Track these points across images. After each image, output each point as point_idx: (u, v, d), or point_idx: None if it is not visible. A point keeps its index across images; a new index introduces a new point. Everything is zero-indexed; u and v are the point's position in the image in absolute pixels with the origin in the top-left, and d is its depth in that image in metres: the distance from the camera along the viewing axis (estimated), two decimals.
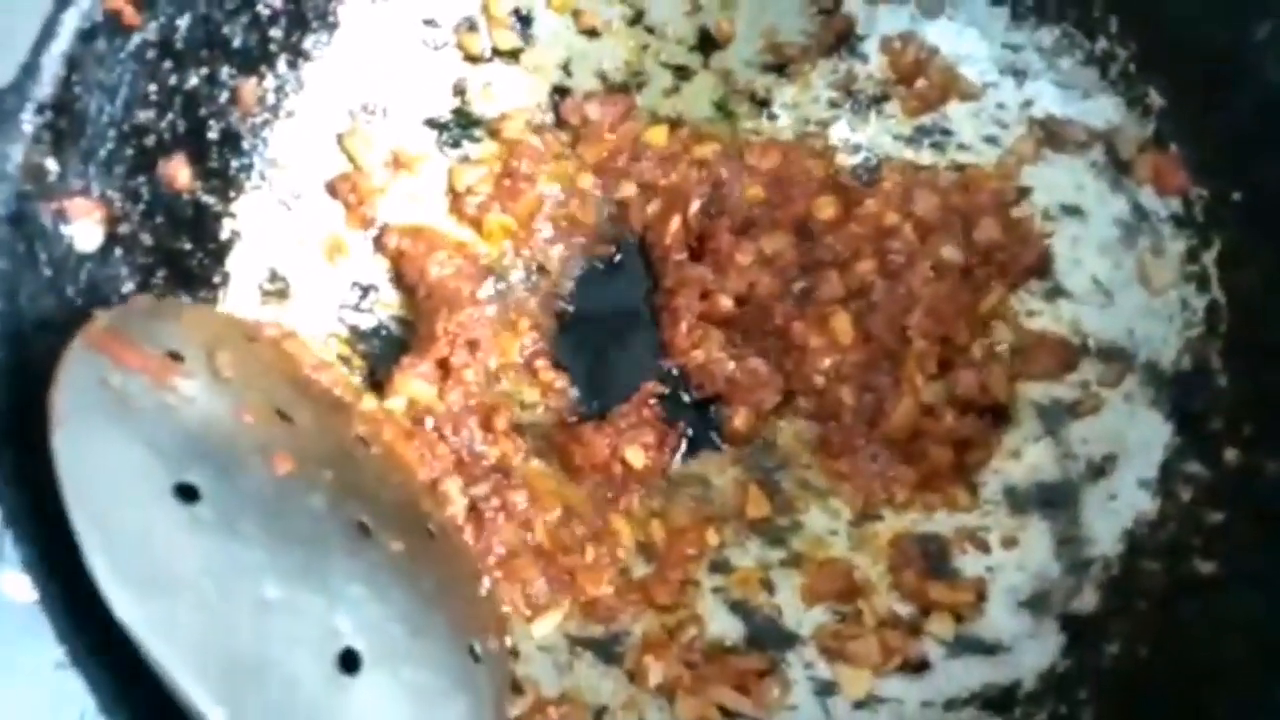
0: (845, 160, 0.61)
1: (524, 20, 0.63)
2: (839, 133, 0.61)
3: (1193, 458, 0.52)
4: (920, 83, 0.60)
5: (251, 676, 0.39)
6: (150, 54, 0.50)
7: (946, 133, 0.60)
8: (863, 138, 0.61)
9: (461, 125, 0.62)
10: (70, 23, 0.46)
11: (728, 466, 0.57)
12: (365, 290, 0.59)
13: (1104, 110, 0.57)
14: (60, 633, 0.40)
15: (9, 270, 0.45)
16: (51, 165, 0.46)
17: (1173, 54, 0.54)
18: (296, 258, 0.57)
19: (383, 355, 0.58)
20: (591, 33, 0.63)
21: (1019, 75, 0.59)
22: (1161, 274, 0.55)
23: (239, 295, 0.56)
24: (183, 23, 0.51)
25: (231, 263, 0.55)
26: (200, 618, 0.39)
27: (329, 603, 0.42)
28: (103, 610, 0.38)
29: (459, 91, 0.62)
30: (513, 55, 0.63)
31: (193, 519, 0.40)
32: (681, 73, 0.63)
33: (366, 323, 0.59)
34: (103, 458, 0.40)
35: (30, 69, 0.46)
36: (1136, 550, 0.52)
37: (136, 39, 0.49)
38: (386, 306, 0.60)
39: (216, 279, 0.55)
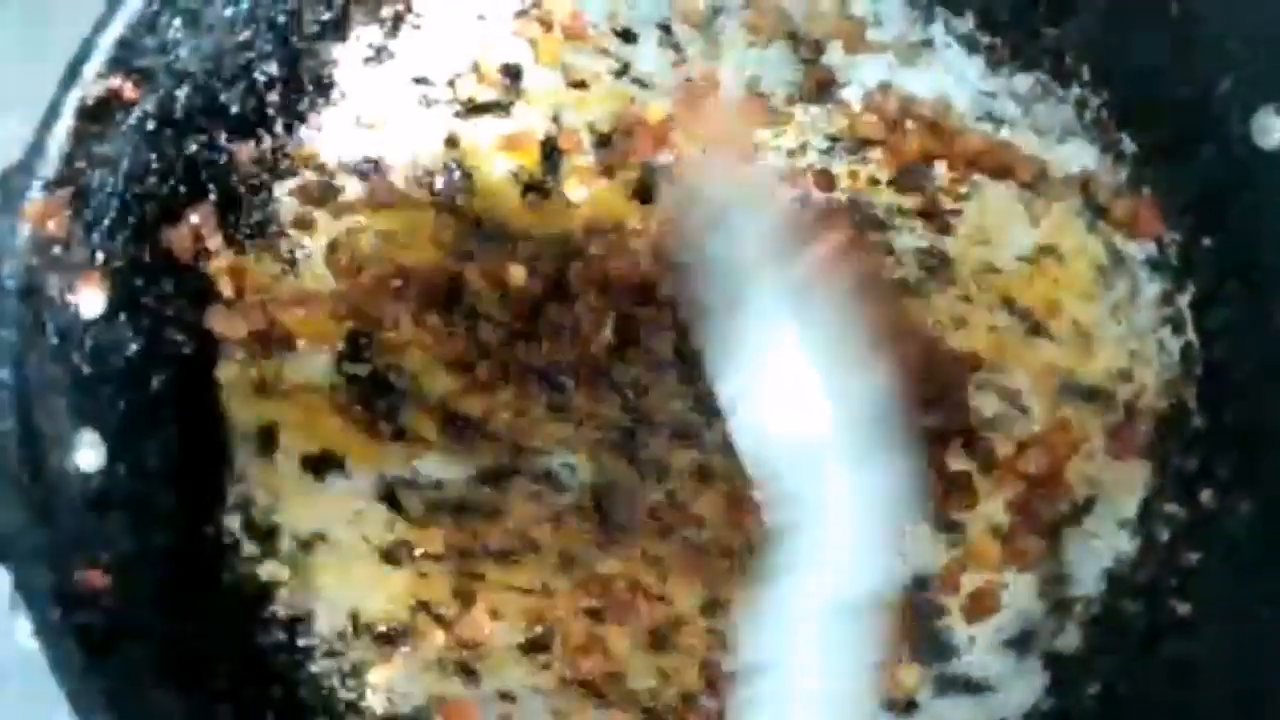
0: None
1: (513, 75, 0.64)
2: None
3: (1170, 499, 0.53)
4: (904, 131, 0.62)
5: None
6: (150, 125, 0.52)
7: (927, 178, 0.62)
8: (846, 184, 0.62)
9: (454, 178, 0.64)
10: (73, 102, 0.48)
11: None
12: (365, 342, 0.61)
13: (1080, 155, 0.59)
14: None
15: (17, 341, 0.47)
16: (58, 238, 0.49)
17: (1142, 103, 0.55)
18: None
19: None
20: (580, 85, 0.65)
21: (996, 122, 0.60)
22: (1139, 317, 0.56)
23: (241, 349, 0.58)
24: (181, 93, 0.53)
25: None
26: None
27: None
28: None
29: (451, 143, 0.64)
30: (503, 108, 0.65)
31: None
32: (669, 121, 0.65)
33: (364, 371, 0.61)
34: None
35: (36, 148, 0.48)
36: (1117, 590, 0.53)
37: (137, 112, 0.51)
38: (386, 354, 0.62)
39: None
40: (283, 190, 0.59)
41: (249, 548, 0.55)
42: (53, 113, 0.48)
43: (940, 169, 0.61)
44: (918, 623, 0.55)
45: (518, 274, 0.59)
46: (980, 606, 0.55)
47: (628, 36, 0.63)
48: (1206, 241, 0.53)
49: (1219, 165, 0.52)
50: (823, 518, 0.44)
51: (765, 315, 0.46)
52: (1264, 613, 0.47)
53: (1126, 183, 0.57)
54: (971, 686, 0.54)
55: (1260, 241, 0.50)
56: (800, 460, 0.45)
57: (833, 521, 0.44)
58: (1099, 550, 0.54)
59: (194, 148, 0.55)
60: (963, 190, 0.61)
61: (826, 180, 0.62)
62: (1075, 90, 0.58)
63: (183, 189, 0.55)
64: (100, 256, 0.51)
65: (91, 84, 0.49)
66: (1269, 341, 0.50)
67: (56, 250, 0.49)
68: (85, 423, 0.49)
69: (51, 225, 0.48)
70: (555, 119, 0.64)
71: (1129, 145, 0.57)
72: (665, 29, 0.63)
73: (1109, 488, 0.55)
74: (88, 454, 0.49)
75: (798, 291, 0.47)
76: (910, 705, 0.53)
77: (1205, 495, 0.52)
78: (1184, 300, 0.55)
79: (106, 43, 0.49)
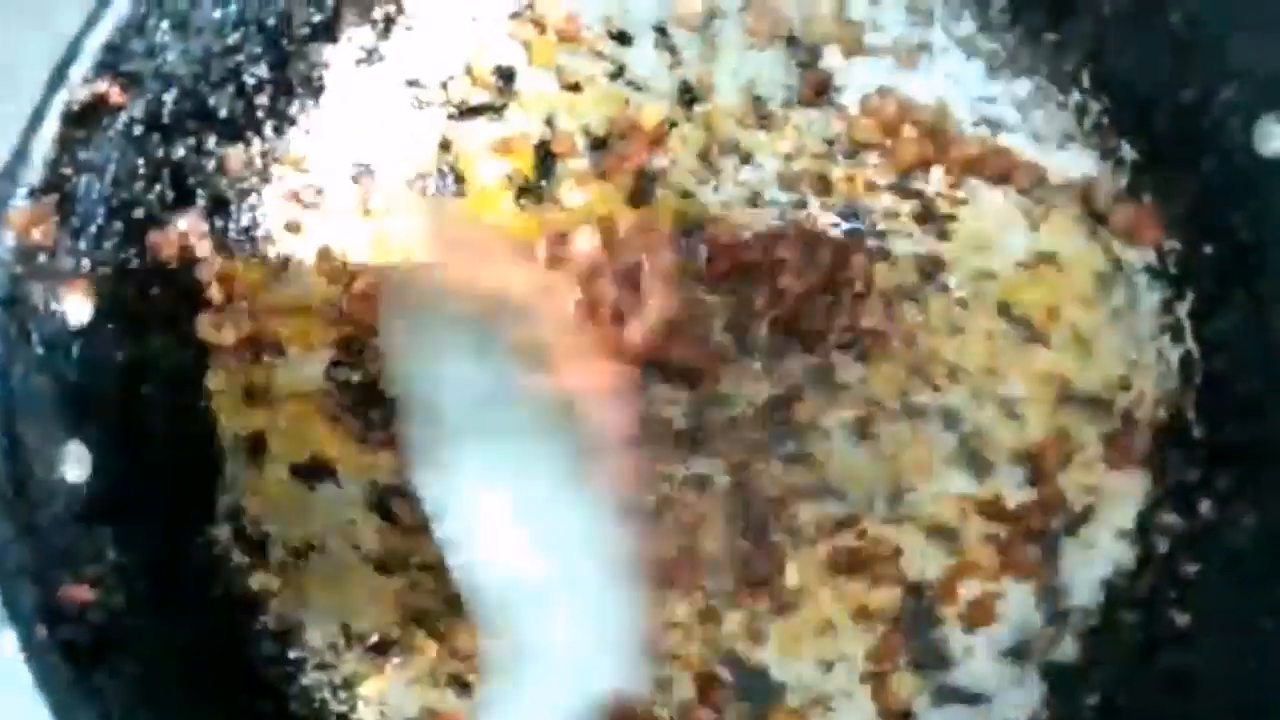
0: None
1: (506, 77, 0.64)
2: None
3: (1169, 509, 0.53)
4: (901, 135, 0.61)
5: None
6: (137, 130, 0.51)
7: (923, 183, 0.61)
8: (843, 188, 0.62)
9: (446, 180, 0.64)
10: (59, 107, 0.47)
11: None
12: (357, 349, 0.61)
13: (1079, 162, 0.58)
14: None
15: (2, 352, 0.46)
16: (44, 246, 0.48)
17: (1142, 110, 0.55)
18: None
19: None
20: (574, 88, 0.64)
21: (994, 127, 0.60)
22: (1138, 325, 0.56)
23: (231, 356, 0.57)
24: (169, 97, 0.53)
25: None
26: None
27: None
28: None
29: (444, 146, 0.64)
30: (496, 111, 0.64)
31: None
32: (664, 125, 0.64)
33: (356, 377, 0.60)
34: None
35: (20, 154, 0.47)
36: (1115, 601, 0.53)
37: (124, 117, 0.51)
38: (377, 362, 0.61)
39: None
40: (272, 195, 0.59)
41: (239, 558, 0.55)
42: (37, 118, 0.47)
43: (938, 174, 0.61)
44: (914, 632, 0.55)
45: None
46: (977, 616, 0.54)
47: (623, 39, 0.63)
48: (1207, 249, 0.53)
49: (1219, 173, 0.51)
50: (545, 653, 0.44)
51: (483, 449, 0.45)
52: (1264, 624, 0.47)
53: (1126, 190, 0.56)
54: (968, 697, 0.53)
55: (1261, 250, 0.50)
56: (522, 599, 0.44)
57: (555, 657, 0.44)
58: (1097, 560, 0.54)
59: (182, 152, 0.54)
60: (960, 196, 0.60)
61: (824, 185, 0.62)
62: (1075, 96, 0.58)
63: (170, 194, 0.54)
64: (86, 264, 0.50)
65: (78, 88, 0.48)
66: (1269, 351, 0.50)
67: (42, 258, 0.48)
68: (72, 434, 0.48)
69: (37, 233, 0.48)
70: (549, 122, 0.63)
71: (1129, 152, 0.56)
72: (661, 31, 0.62)
73: (1107, 498, 0.55)
74: (74, 466, 0.48)
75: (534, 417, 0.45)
76: (907, 716, 0.53)
77: (1205, 506, 0.51)
78: (1183, 309, 0.54)
79: (93, 46, 0.48)
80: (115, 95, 0.50)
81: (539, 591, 0.44)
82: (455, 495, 0.45)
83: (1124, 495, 0.54)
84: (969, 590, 0.55)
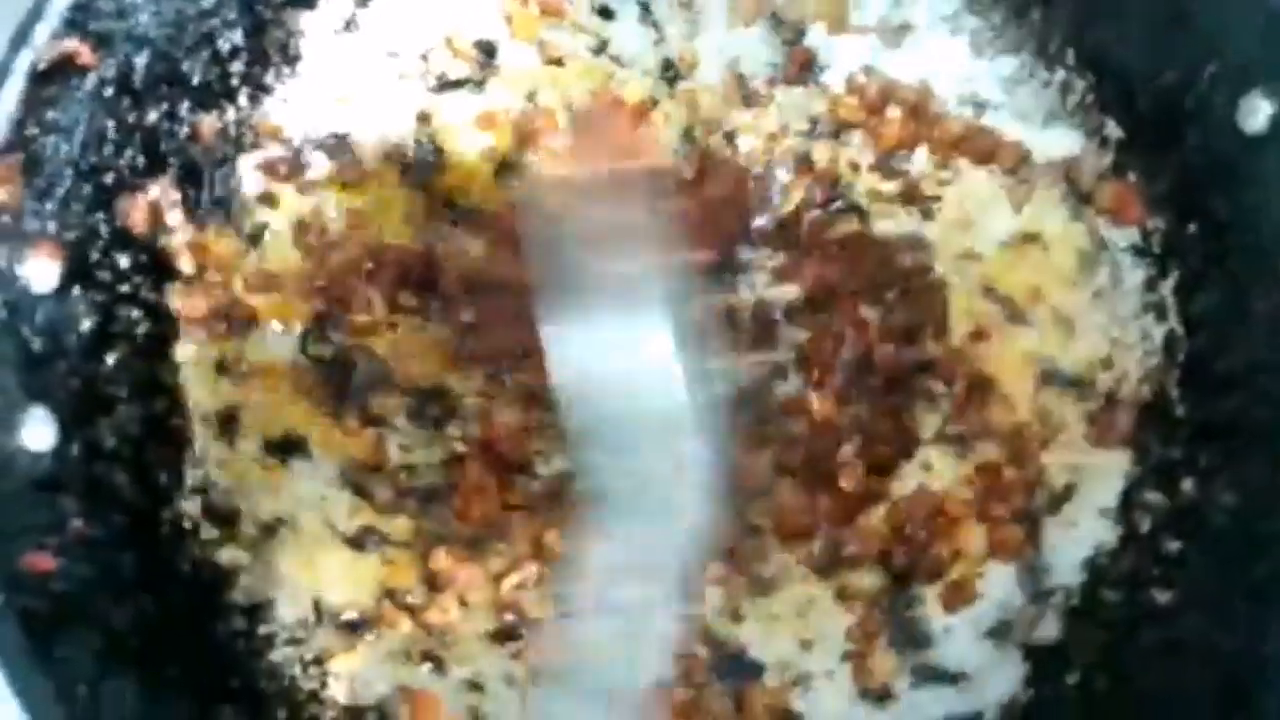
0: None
1: (488, 51, 0.63)
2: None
3: (1151, 487, 0.52)
4: (885, 115, 0.61)
5: None
6: (108, 92, 0.50)
7: (908, 163, 0.61)
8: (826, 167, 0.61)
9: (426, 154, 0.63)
10: (24, 66, 0.46)
11: None
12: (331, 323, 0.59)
13: (1063, 140, 0.58)
14: None
15: None
16: (8, 207, 0.47)
17: (1127, 88, 0.55)
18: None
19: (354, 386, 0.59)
20: (557, 63, 0.63)
21: (979, 106, 0.60)
22: (1121, 304, 0.56)
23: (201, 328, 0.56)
24: (140, 60, 0.51)
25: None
26: None
27: None
28: None
29: (424, 119, 0.63)
30: (477, 85, 0.63)
31: None
32: (647, 102, 0.64)
33: (329, 351, 0.59)
34: None
35: None
36: (1097, 580, 0.52)
37: (93, 78, 0.49)
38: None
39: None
40: (246, 165, 0.58)
41: (208, 532, 0.53)
42: (2, 75, 0.46)
43: (922, 154, 0.60)
44: (894, 611, 0.54)
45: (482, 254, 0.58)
46: (958, 596, 0.54)
47: (606, 14, 0.62)
48: (1190, 228, 0.53)
49: (1203, 150, 0.51)
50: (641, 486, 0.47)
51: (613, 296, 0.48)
52: (1245, 602, 0.47)
53: (1110, 168, 0.56)
54: (949, 677, 0.53)
55: (1244, 228, 0.50)
56: (629, 430, 0.47)
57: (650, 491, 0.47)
58: (1079, 539, 0.54)
59: (154, 117, 0.53)
60: (944, 175, 0.60)
61: (806, 165, 0.61)
62: (1060, 74, 0.57)
63: (141, 160, 0.53)
64: (53, 227, 0.49)
65: (45, 46, 0.47)
66: (1251, 329, 0.49)
67: (6, 219, 0.47)
68: (35, 401, 0.47)
69: (1, 193, 0.46)
70: (530, 97, 0.62)
71: (1113, 130, 0.56)
72: (644, 7, 0.62)
73: (1089, 476, 0.54)
74: (37, 432, 0.47)
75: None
76: (886, 695, 0.53)
77: (1187, 484, 0.51)
78: (1167, 287, 0.54)
79: (61, 3, 0.47)
80: (85, 55, 0.48)
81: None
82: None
83: (1107, 474, 0.54)
84: (951, 570, 0.55)
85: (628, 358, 0.47)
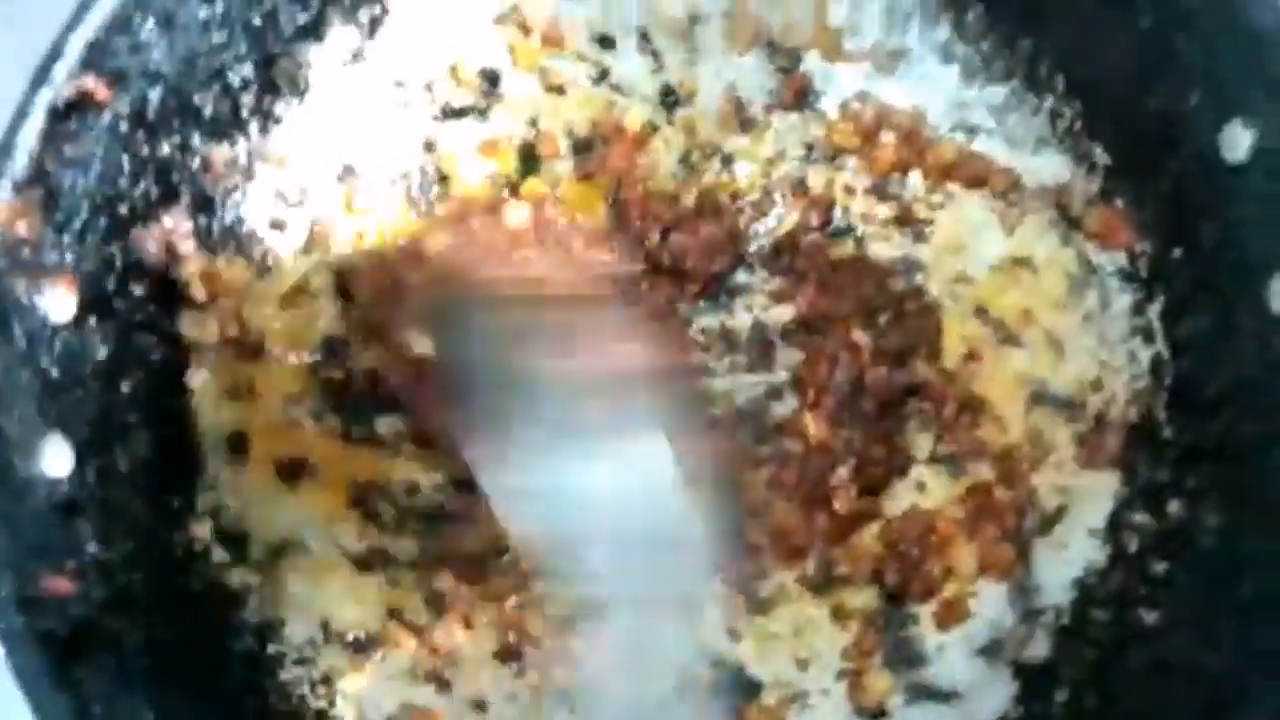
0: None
1: (491, 79, 0.64)
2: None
3: (1139, 508, 0.54)
4: (879, 140, 0.62)
5: None
6: (123, 126, 0.52)
7: (901, 187, 0.62)
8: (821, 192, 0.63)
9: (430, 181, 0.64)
10: (43, 104, 0.48)
11: None
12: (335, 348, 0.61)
13: (1053, 166, 0.59)
14: None
15: None
16: (28, 241, 0.48)
17: (1114, 115, 0.56)
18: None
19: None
20: (558, 90, 0.65)
21: (970, 131, 0.61)
22: (1110, 327, 0.57)
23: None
24: (154, 95, 0.53)
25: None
26: None
27: None
28: None
29: (429, 147, 0.64)
30: (480, 113, 0.64)
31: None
32: (647, 129, 0.65)
33: (338, 375, 0.61)
34: None
35: (5, 149, 0.47)
36: (1086, 599, 0.54)
37: (109, 113, 0.51)
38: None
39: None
40: (257, 193, 0.59)
41: (219, 554, 0.55)
42: (22, 113, 0.47)
43: (915, 178, 0.62)
44: (889, 630, 0.55)
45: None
46: (950, 614, 0.55)
47: (606, 43, 0.63)
48: (1176, 253, 0.54)
49: (1189, 177, 0.52)
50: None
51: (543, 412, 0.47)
52: (1231, 622, 0.48)
53: (1099, 194, 0.58)
54: (942, 694, 0.54)
55: (1228, 254, 0.51)
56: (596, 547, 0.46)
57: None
58: (1069, 559, 0.55)
59: (167, 150, 0.54)
60: (937, 199, 0.61)
61: (802, 190, 0.62)
62: (1049, 101, 0.59)
63: (155, 191, 0.54)
64: (70, 259, 0.50)
65: (63, 84, 0.48)
66: (1236, 354, 0.50)
67: (25, 253, 0.48)
68: (53, 428, 0.48)
69: (21, 227, 0.48)
70: (533, 124, 0.64)
71: (1101, 157, 0.57)
72: (644, 36, 0.63)
73: (1079, 497, 0.56)
74: (55, 459, 0.48)
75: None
76: (881, 713, 0.54)
77: (1174, 506, 0.52)
78: (1154, 311, 0.55)
79: (78, 43, 0.49)
80: (101, 92, 0.50)
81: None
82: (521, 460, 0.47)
83: (1096, 495, 0.55)
84: (944, 590, 0.56)
85: (616, 475, 0.46)
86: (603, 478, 0.47)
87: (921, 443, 0.57)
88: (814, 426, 0.57)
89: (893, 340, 0.58)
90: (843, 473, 0.56)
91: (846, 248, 0.61)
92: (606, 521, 0.46)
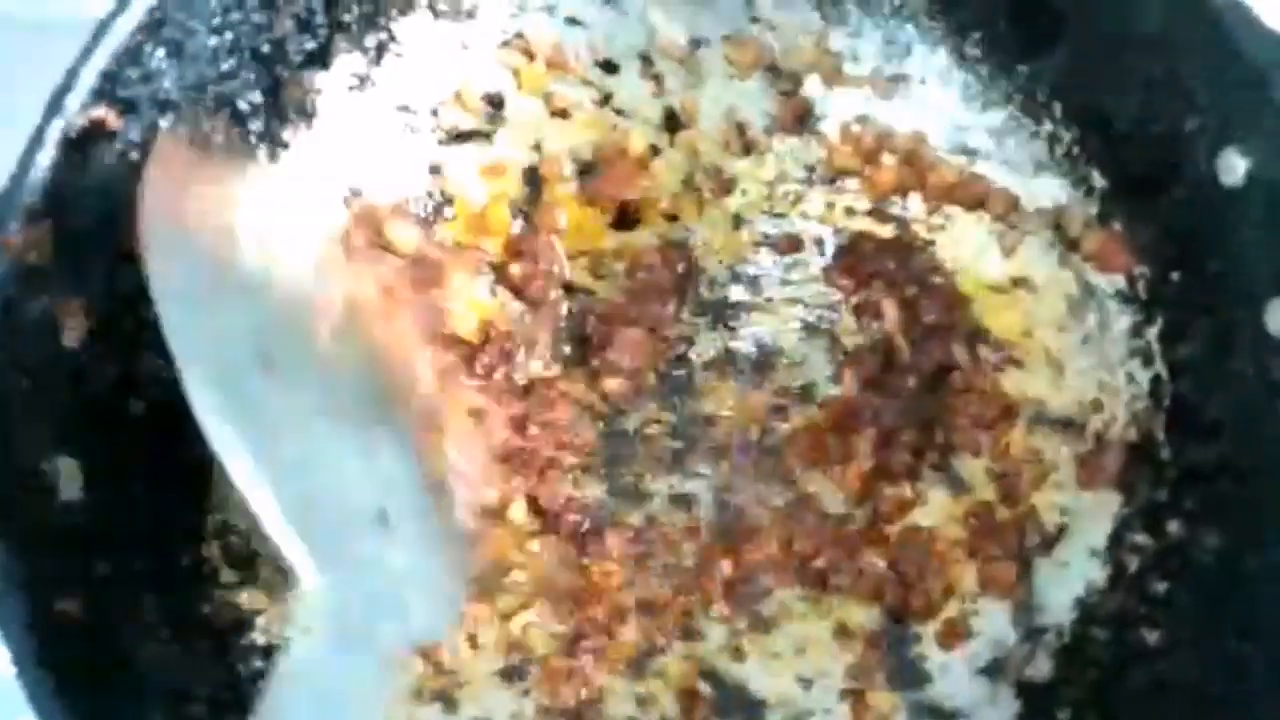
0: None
1: (495, 104, 0.65)
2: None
3: (1139, 529, 0.54)
4: (879, 163, 0.63)
5: (312, 510, 0.49)
6: (133, 155, 0.52)
7: (901, 209, 0.63)
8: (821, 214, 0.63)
9: (437, 204, 0.65)
10: (56, 133, 0.48)
11: None
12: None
13: (1051, 189, 0.60)
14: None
15: None
16: (40, 268, 0.49)
17: (1112, 141, 0.56)
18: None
19: None
20: (562, 114, 0.66)
21: (970, 155, 0.62)
22: (1109, 348, 0.57)
23: None
24: (164, 123, 0.54)
25: None
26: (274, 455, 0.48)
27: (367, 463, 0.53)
28: None
29: (434, 170, 0.65)
30: (486, 137, 0.65)
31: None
32: (649, 151, 0.66)
33: None
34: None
35: (18, 178, 0.48)
36: (1087, 619, 0.54)
37: (119, 142, 0.52)
38: None
39: None
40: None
41: (228, 575, 0.55)
42: (36, 142, 0.48)
43: (915, 200, 0.62)
44: (892, 650, 0.56)
45: None
46: (953, 634, 0.55)
47: (609, 67, 0.64)
48: (1175, 276, 0.55)
49: (1185, 202, 0.53)
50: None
51: None
52: (1231, 642, 0.48)
53: (1097, 217, 0.58)
54: (945, 714, 0.54)
55: (1226, 277, 0.51)
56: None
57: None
58: (1070, 579, 0.55)
59: None
60: (937, 221, 0.62)
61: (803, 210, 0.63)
62: (1047, 126, 0.59)
63: None
64: (81, 284, 0.51)
65: (75, 114, 0.49)
66: (1234, 376, 0.51)
67: (38, 279, 0.49)
68: (64, 451, 0.49)
69: (33, 255, 0.48)
70: (537, 147, 0.65)
71: (1099, 180, 0.58)
72: (646, 60, 0.64)
73: (1079, 517, 0.56)
74: (66, 481, 0.49)
75: None
76: None
77: (1173, 526, 0.53)
78: (1153, 333, 0.56)
79: (90, 73, 0.49)
80: (112, 120, 0.51)
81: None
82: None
83: (1096, 515, 0.56)
84: (946, 609, 0.56)
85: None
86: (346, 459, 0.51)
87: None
88: (847, 384, 0.58)
89: (923, 315, 0.59)
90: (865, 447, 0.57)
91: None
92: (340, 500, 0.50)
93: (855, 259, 0.61)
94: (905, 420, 0.58)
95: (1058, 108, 0.59)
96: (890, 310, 0.59)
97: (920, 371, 0.59)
